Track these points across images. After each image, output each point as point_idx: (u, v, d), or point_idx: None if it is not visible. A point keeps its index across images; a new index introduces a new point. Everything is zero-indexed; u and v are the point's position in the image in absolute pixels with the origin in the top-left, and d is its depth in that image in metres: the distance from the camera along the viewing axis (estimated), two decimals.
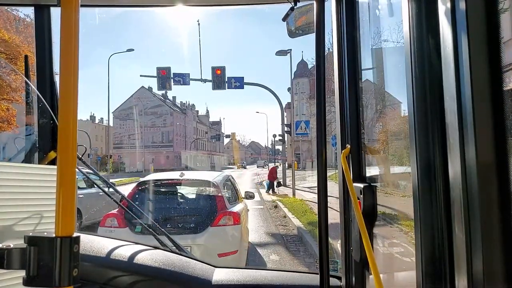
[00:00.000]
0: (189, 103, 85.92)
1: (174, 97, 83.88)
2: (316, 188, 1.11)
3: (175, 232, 4.58)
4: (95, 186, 1.68)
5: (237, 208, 5.34)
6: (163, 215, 4.98)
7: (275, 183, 18.63)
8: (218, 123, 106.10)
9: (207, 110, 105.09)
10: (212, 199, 5.19)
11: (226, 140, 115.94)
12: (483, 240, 0.67)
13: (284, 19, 1.58)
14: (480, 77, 0.68)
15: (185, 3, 1.71)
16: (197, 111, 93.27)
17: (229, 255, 4.64)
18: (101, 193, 1.71)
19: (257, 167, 70.08)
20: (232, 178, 6.75)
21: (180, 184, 5.79)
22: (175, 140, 73.17)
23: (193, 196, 5.70)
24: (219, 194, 5.21)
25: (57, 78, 1.77)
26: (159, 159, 65.13)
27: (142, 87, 73.34)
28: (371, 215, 1.17)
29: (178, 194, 5.70)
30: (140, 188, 5.46)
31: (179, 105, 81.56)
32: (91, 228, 8.33)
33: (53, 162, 1.44)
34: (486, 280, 0.67)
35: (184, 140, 76.41)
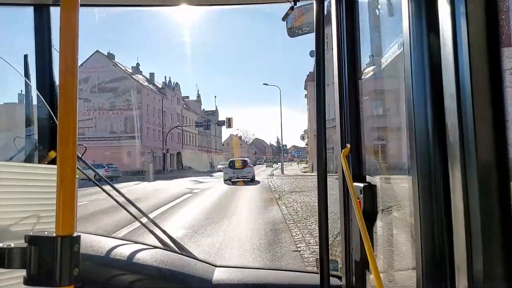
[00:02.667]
0: (170, 81, 61.07)
1: (152, 74, 60.31)
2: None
3: (239, 170, 26.67)
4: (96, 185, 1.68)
5: (252, 166, 29.18)
6: (236, 168, 26.93)
7: None
8: (214, 113, 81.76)
9: (198, 94, 76.70)
10: (247, 162, 27.88)
11: (224, 138, 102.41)
12: (484, 240, 0.67)
13: (284, 19, 1.58)
14: (480, 76, 0.68)
15: (186, 3, 1.71)
16: (188, 97, 70.79)
17: (249, 175, 26.57)
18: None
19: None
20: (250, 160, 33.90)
21: (238, 161, 28.13)
22: (145, 129, 50.09)
23: (242, 162, 27.58)
24: (249, 161, 28.81)
25: (56, 78, 1.77)
26: (119, 156, 43.34)
27: (97, 51, 50.45)
28: (371, 215, 1.17)
29: (240, 162, 27.67)
30: (229, 162, 28.84)
31: (156, 83, 59.19)
32: None
33: (53, 161, 1.44)
34: (487, 281, 0.67)
35: (162, 131, 53.91)
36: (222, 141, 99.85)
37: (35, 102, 1.71)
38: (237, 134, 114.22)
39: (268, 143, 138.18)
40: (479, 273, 0.68)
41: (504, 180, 0.66)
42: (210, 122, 58.44)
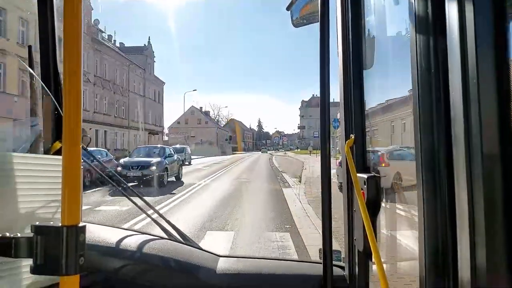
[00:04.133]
0: None
1: None
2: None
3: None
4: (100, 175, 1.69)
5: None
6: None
7: None
8: (142, 51, 48.82)
9: None
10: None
11: (176, 112, 66.68)
12: (487, 232, 0.67)
13: (288, 8, 1.57)
14: (486, 69, 0.67)
15: None
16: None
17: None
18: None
19: None
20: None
21: None
22: None
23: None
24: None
25: (60, 68, 1.77)
26: None
27: None
28: (374, 206, 1.18)
29: None
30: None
31: None
32: None
33: (58, 152, 1.45)
34: (489, 272, 0.67)
35: None
36: (174, 121, 64.34)
37: (39, 92, 1.72)
38: (201, 108, 76.80)
39: (248, 126, 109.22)
40: (482, 264, 0.68)
41: (509, 174, 0.66)
42: None
